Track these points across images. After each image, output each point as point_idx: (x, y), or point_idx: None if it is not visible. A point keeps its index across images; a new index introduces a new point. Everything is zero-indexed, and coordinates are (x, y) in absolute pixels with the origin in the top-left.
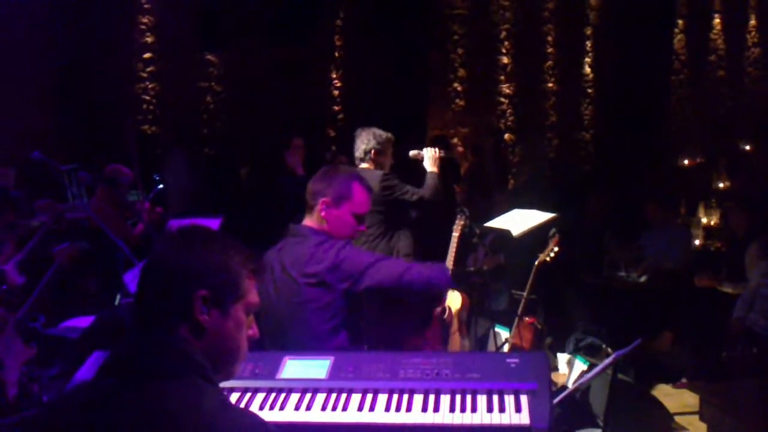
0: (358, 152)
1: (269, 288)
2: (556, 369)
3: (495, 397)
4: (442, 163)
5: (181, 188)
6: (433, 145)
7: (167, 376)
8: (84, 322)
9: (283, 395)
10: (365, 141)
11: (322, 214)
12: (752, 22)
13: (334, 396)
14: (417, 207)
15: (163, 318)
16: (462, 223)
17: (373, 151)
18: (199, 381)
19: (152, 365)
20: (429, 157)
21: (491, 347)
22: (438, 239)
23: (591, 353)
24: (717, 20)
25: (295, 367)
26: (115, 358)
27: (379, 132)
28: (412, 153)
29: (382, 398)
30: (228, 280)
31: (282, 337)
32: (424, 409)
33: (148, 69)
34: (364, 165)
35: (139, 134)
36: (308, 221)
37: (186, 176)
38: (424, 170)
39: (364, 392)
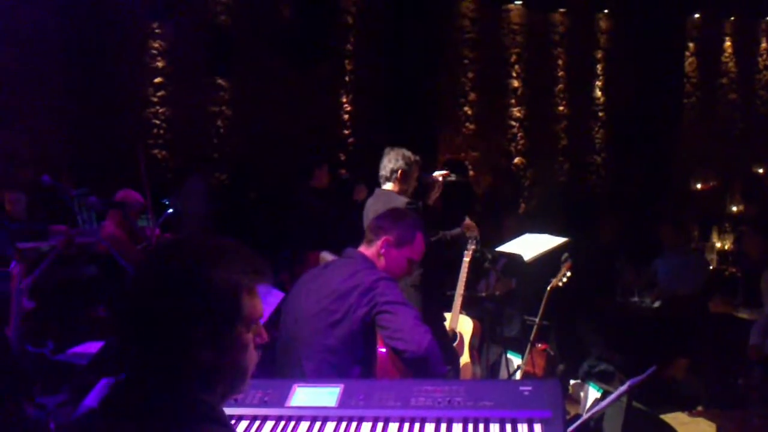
0: (384, 171)
1: (300, 301)
2: (569, 396)
3: (508, 426)
4: (455, 187)
5: (192, 213)
6: (446, 169)
7: (171, 418)
8: (93, 348)
9: (292, 423)
10: (393, 160)
11: (382, 251)
12: (763, 45)
13: (344, 424)
14: (432, 246)
15: (160, 359)
16: (473, 247)
17: (399, 171)
18: (205, 425)
19: (155, 406)
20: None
21: (503, 374)
22: (449, 264)
23: (604, 380)
24: (728, 43)
25: (305, 395)
26: (117, 395)
27: (408, 153)
28: (432, 176)
29: (393, 427)
30: (227, 306)
31: (299, 347)
32: None
33: (159, 93)
34: (388, 185)
35: (149, 159)
36: (364, 250)
37: (196, 201)
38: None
39: (375, 420)
